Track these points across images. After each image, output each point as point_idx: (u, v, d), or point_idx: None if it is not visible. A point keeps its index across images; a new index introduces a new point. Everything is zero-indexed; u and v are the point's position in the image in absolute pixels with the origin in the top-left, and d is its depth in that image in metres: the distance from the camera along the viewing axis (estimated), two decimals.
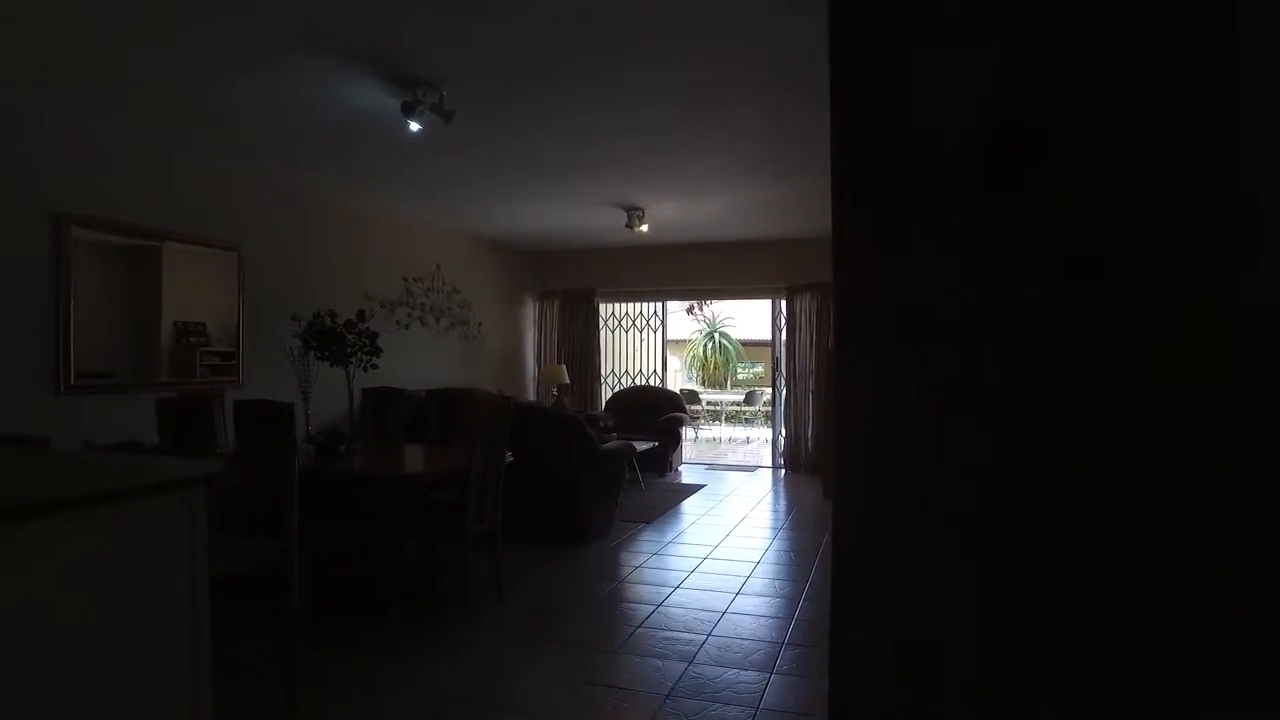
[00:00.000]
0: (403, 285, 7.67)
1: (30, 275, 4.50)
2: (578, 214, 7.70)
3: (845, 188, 0.92)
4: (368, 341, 4.41)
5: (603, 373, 10.13)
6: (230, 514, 3.79)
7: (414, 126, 4.17)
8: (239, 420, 3.58)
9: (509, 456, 4.42)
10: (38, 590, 1.59)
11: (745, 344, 20.74)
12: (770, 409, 11.19)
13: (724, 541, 5.62)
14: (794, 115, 4.55)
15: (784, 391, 9.30)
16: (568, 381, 9.64)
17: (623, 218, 7.45)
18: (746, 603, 4.19)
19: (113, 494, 1.74)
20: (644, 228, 7.55)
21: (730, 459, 11.28)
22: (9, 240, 4.39)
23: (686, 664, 3.31)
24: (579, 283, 10.08)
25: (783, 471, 9.28)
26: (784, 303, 9.23)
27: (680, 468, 9.45)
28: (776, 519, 6.68)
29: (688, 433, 10.19)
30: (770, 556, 5.24)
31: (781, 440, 9.45)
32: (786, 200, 7.00)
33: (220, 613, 2.08)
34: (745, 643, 3.57)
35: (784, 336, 9.26)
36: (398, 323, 7.56)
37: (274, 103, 4.39)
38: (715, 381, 20.55)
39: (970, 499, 0.86)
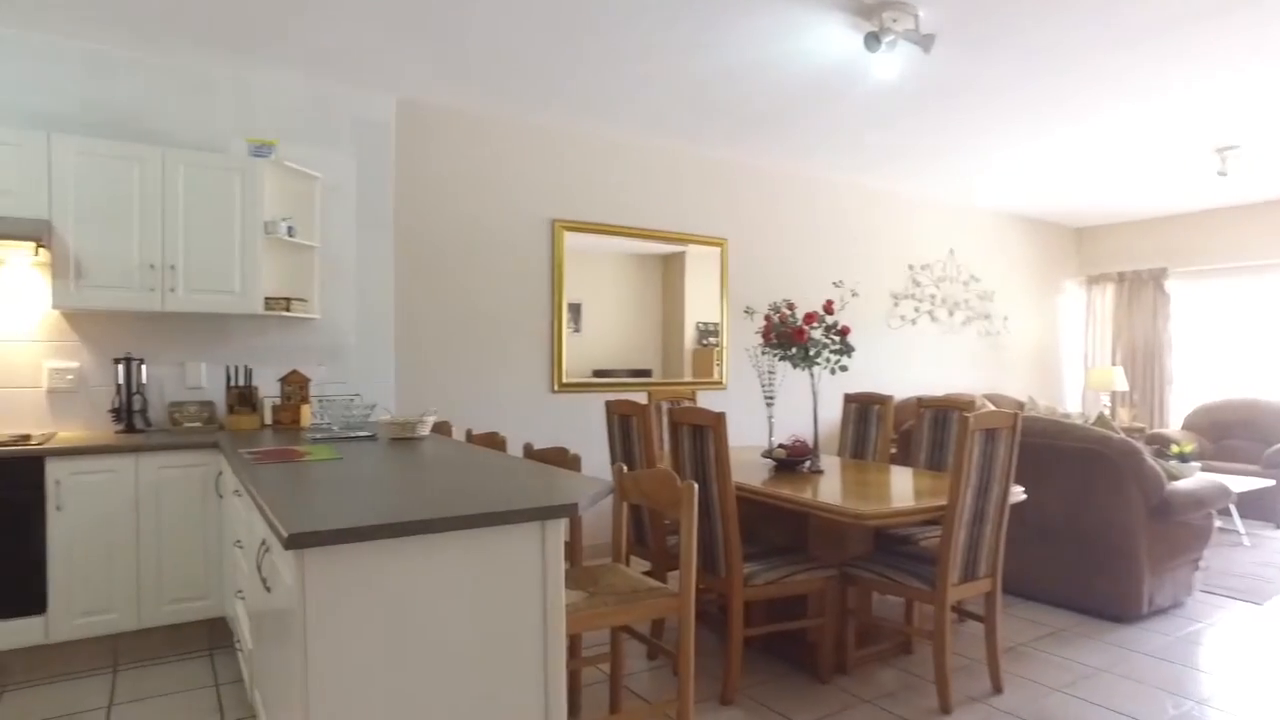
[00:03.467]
0: (908, 274, 6.75)
1: (536, 279, 4.89)
2: (1142, 165, 5.78)
3: None
4: (836, 339, 3.68)
5: (1175, 378, 7.67)
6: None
7: (884, 66, 3.30)
8: (672, 429, 3.21)
9: (1018, 493, 3.25)
10: (418, 590, 1.75)
11: None
12: None
13: None
14: None
15: None
16: (1124, 389, 7.51)
17: (1210, 164, 5.34)
18: None
19: (468, 520, 1.79)
20: (1238, 175, 5.29)
21: None
22: (521, 246, 4.82)
23: None
24: (1142, 261, 7.80)
25: None
26: None
27: None
28: None
29: None
30: None
31: None
32: None
33: None
34: None
35: None
36: (902, 317, 6.67)
37: (739, 65, 3.97)
38: None
39: None
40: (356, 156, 4.28)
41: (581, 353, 5.04)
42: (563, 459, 2.82)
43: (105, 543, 3.19)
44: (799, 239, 6.06)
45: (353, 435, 3.41)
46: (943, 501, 2.90)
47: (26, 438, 3.33)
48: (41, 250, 3.21)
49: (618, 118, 4.77)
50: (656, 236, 5.32)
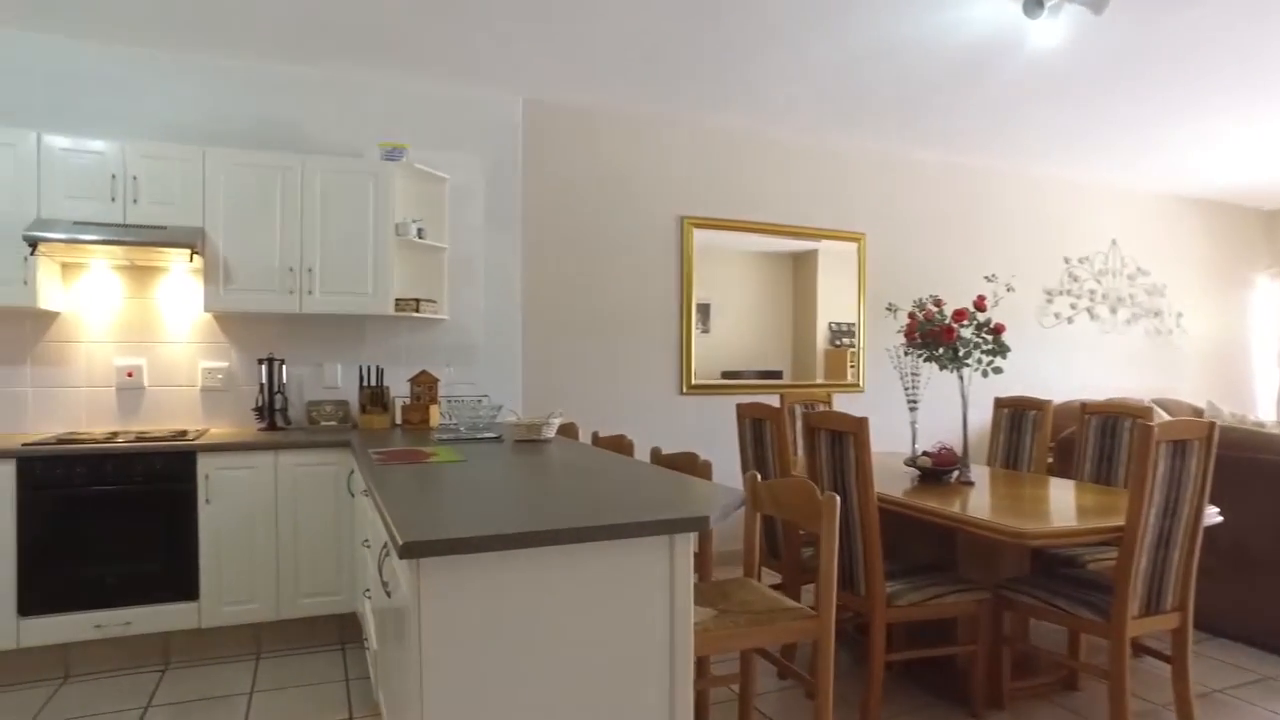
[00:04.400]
0: (1063, 268, 6.17)
1: (664, 278, 4.76)
2: None
3: None
4: (988, 338, 3.35)
5: None
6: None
7: (1044, 34, 2.95)
8: (808, 434, 2.99)
9: (1212, 514, 2.82)
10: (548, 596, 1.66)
11: None
12: None
13: None
14: None
15: None
16: None
17: None
18: None
19: (591, 533, 1.67)
20: None
21: None
22: (649, 245, 4.72)
23: None
24: None
25: None
26: None
27: None
28: None
29: None
30: None
31: None
32: None
33: None
34: None
35: None
36: (1056, 315, 6.11)
37: (876, 46, 3.70)
38: None
39: None
40: (485, 157, 4.30)
41: (710, 354, 4.88)
42: (692, 465, 2.66)
43: (248, 536, 3.32)
44: (942, 232, 5.65)
45: (479, 437, 3.39)
46: (1119, 521, 2.54)
47: (183, 433, 3.51)
48: (196, 257, 3.37)
49: (748, 108, 4.58)
50: (789, 232, 5.08)
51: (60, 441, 3.19)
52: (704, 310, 4.86)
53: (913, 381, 3.69)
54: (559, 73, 4.05)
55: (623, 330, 4.66)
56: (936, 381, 4.32)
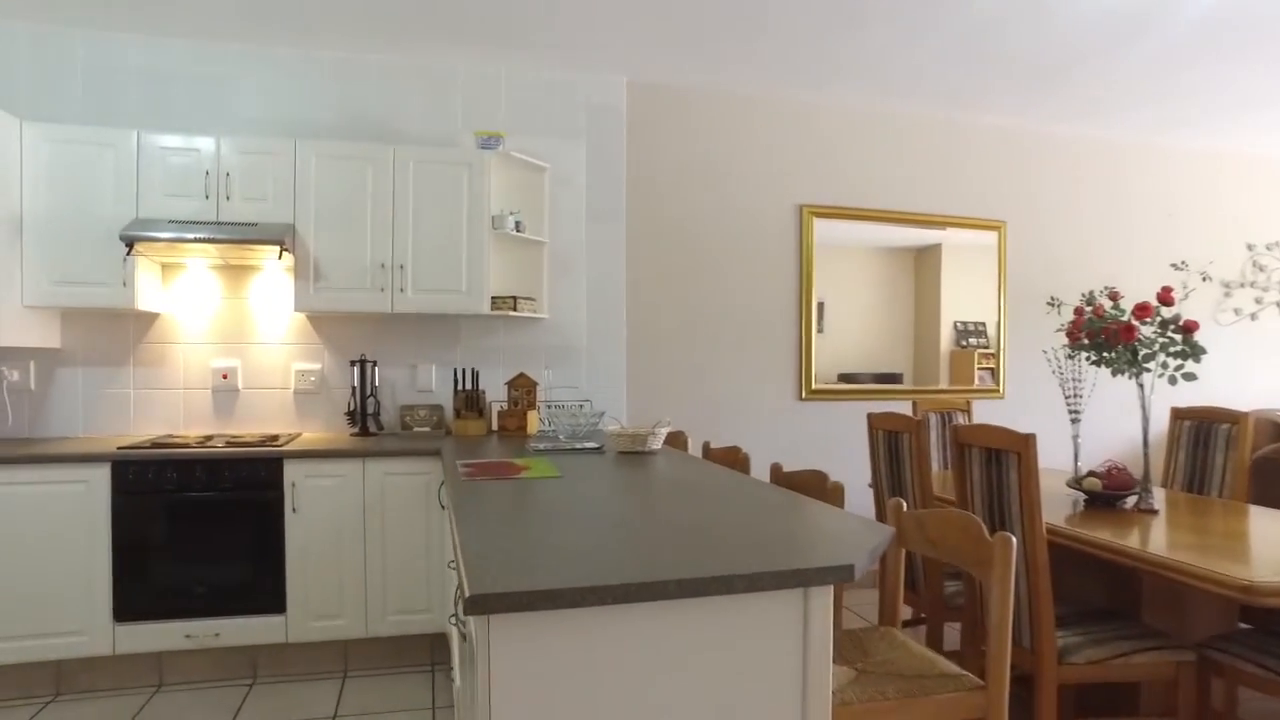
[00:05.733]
0: (1246, 256, 5.35)
1: (781, 272, 4.36)
2: None
3: None
4: (1177, 338, 2.78)
5: None
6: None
7: None
8: (956, 451, 2.53)
9: None
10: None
11: None
12: None
13: None
14: None
15: None
16: None
17: None
18: None
19: (706, 585, 1.32)
20: None
21: None
22: (765, 236, 4.33)
23: None
24: None
25: None
26: None
27: None
28: None
29: None
30: None
31: None
32: None
33: None
34: None
35: None
36: (1236, 311, 5.31)
37: (1015, 5, 3.19)
38: None
39: None
40: (587, 144, 4.02)
41: (824, 355, 4.44)
42: (821, 488, 2.26)
43: (335, 547, 3.14)
44: (1097, 218, 4.97)
45: (578, 447, 3.09)
46: None
47: (275, 438, 3.39)
48: (285, 254, 3.23)
49: (872, 83, 4.11)
50: (918, 220, 4.57)
51: (155, 445, 3.10)
52: (818, 308, 4.42)
53: (1074, 388, 3.16)
54: (664, 51, 3.72)
55: (735, 329, 4.28)
56: (1099, 389, 3.71)
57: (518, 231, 3.74)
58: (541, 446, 3.10)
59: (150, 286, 3.36)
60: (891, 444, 2.99)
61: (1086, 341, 2.94)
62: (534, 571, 1.30)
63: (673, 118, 4.19)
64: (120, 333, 3.50)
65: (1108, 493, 2.83)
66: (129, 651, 2.99)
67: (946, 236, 4.64)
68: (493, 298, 3.62)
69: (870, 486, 3.66)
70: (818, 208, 4.39)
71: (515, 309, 3.70)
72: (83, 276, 3.15)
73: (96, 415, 3.48)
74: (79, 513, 2.94)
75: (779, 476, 2.52)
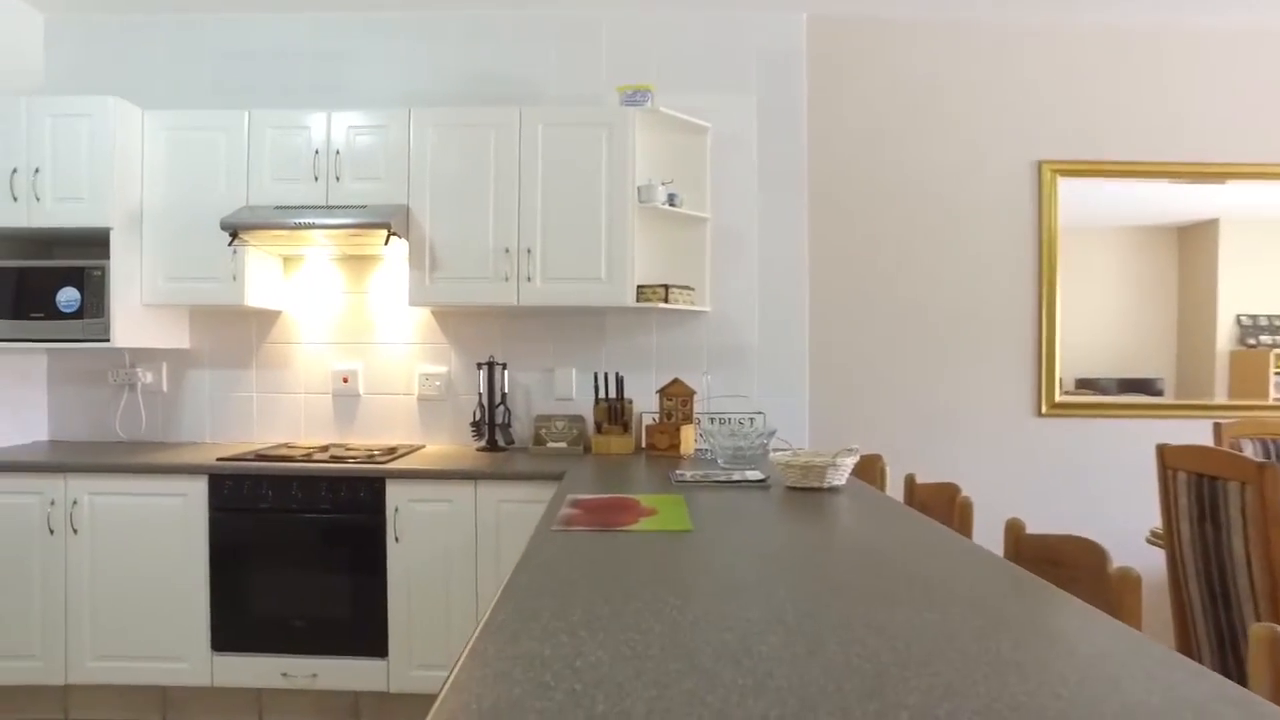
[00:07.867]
0: None
1: (1009, 250, 3.35)
2: None
3: None
4: None
5: None
6: None
7: None
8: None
9: None
10: None
11: None
12: None
13: None
14: None
15: None
16: None
17: None
18: None
19: None
20: None
21: None
22: (987, 204, 3.34)
23: None
24: None
25: None
26: None
27: None
28: None
29: None
30: None
31: None
32: None
33: None
34: None
35: None
36: None
37: None
38: None
39: None
40: (757, 98, 3.26)
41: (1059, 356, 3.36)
42: (1099, 570, 1.35)
43: (442, 585, 2.63)
44: None
45: (737, 479, 2.36)
46: None
47: (393, 450, 2.96)
48: (393, 238, 2.77)
49: None
50: (1188, 173, 3.34)
51: (259, 457, 2.77)
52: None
53: None
54: None
55: (949, 323, 3.34)
56: None
57: (671, 205, 3.07)
58: (688, 475, 2.39)
59: (267, 281, 3.06)
60: (1205, 497, 1.97)
61: None
62: None
63: (867, 57, 3.32)
64: (243, 332, 3.25)
65: None
66: (226, 685, 2.67)
67: (1225, 204, 3.36)
68: (639, 287, 2.97)
69: (1155, 543, 2.59)
70: (1065, 165, 3.33)
71: (667, 300, 3.02)
72: (195, 272, 2.89)
73: (223, 420, 3.25)
74: (178, 526, 2.66)
75: (1024, 541, 1.64)
